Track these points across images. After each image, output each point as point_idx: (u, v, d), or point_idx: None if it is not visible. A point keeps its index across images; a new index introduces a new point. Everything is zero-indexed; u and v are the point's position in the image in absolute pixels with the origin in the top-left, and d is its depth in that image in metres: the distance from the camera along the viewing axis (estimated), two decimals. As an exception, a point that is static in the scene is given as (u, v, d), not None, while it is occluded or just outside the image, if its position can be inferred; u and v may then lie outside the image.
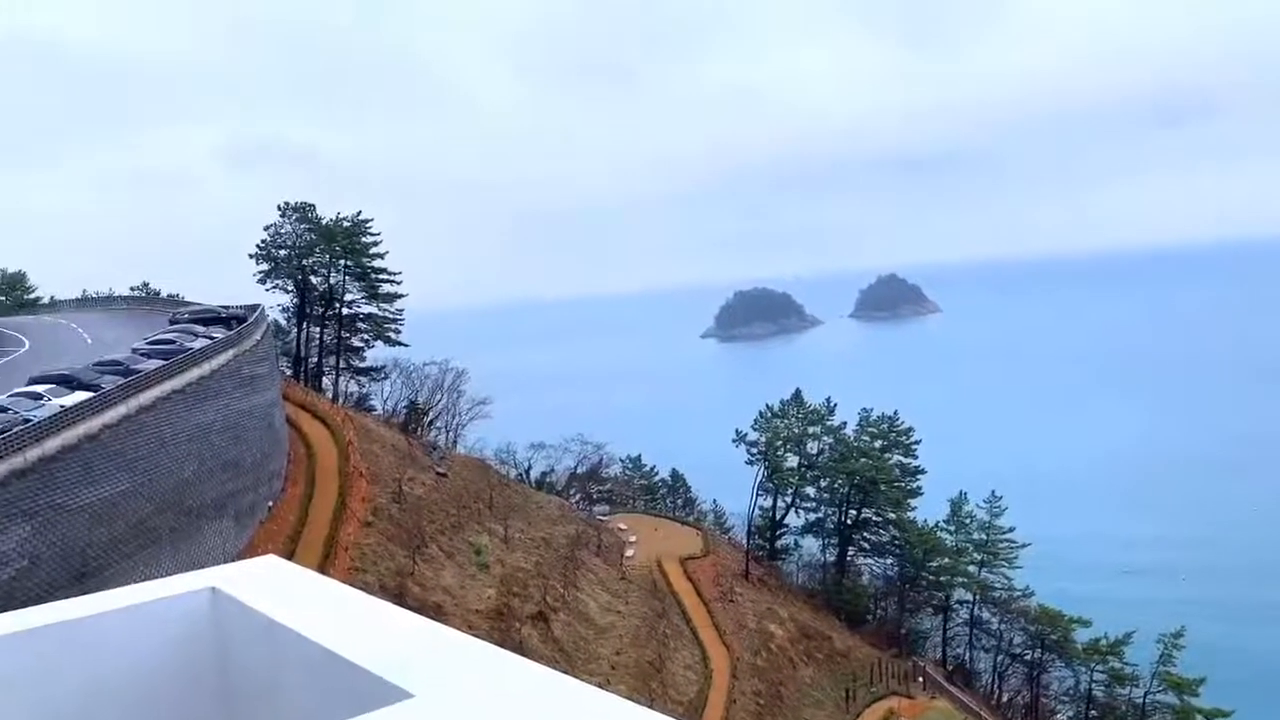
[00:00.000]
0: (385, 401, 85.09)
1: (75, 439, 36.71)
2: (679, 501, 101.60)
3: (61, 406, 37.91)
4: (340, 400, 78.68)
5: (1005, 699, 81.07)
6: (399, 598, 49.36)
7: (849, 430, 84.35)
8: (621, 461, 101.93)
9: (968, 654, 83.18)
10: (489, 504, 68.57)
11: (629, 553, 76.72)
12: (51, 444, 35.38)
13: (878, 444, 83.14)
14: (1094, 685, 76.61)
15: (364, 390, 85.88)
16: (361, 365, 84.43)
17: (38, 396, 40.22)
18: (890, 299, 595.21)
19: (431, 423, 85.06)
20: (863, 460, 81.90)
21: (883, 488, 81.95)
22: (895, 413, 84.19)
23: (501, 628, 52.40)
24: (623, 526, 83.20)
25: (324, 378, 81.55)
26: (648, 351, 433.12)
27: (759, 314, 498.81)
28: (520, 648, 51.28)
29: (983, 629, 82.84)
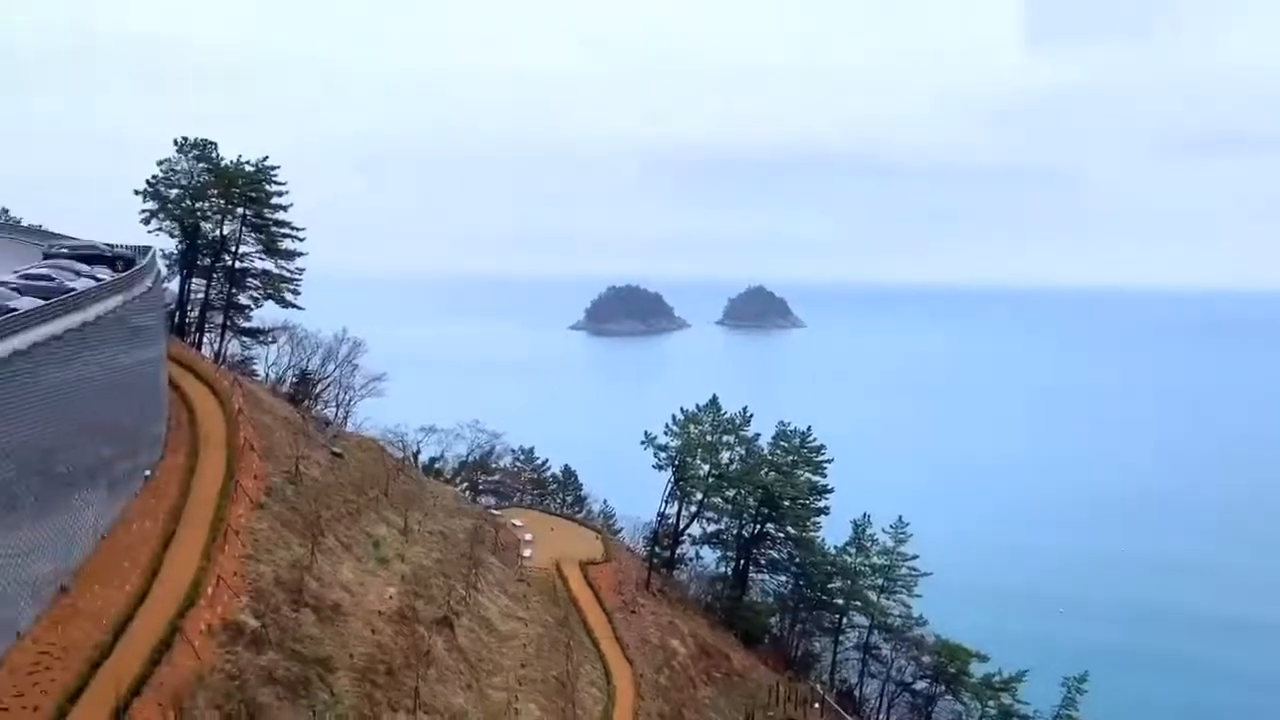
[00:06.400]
0: (269, 367, 77.60)
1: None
2: (568, 499, 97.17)
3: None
4: (221, 361, 70.92)
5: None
6: (297, 594, 43.48)
7: (762, 442, 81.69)
8: (514, 452, 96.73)
9: (859, 680, 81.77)
10: (384, 491, 62.65)
11: (526, 553, 71.97)
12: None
13: (789, 459, 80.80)
14: None
15: (247, 353, 77.85)
16: (247, 325, 76.45)
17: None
18: (757, 310, 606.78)
19: (319, 395, 78.13)
20: (772, 474, 79.35)
21: (787, 504, 79.60)
22: (809, 428, 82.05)
23: (406, 633, 46.97)
24: (518, 523, 78.23)
25: (204, 335, 73.43)
26: (519, 339, 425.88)
27: (630, 311, 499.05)
28: (428, 658, 46.09)
29: (872, 655, 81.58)
